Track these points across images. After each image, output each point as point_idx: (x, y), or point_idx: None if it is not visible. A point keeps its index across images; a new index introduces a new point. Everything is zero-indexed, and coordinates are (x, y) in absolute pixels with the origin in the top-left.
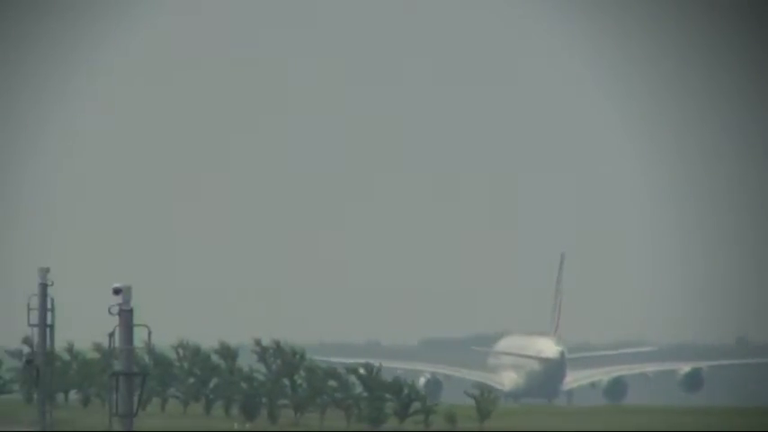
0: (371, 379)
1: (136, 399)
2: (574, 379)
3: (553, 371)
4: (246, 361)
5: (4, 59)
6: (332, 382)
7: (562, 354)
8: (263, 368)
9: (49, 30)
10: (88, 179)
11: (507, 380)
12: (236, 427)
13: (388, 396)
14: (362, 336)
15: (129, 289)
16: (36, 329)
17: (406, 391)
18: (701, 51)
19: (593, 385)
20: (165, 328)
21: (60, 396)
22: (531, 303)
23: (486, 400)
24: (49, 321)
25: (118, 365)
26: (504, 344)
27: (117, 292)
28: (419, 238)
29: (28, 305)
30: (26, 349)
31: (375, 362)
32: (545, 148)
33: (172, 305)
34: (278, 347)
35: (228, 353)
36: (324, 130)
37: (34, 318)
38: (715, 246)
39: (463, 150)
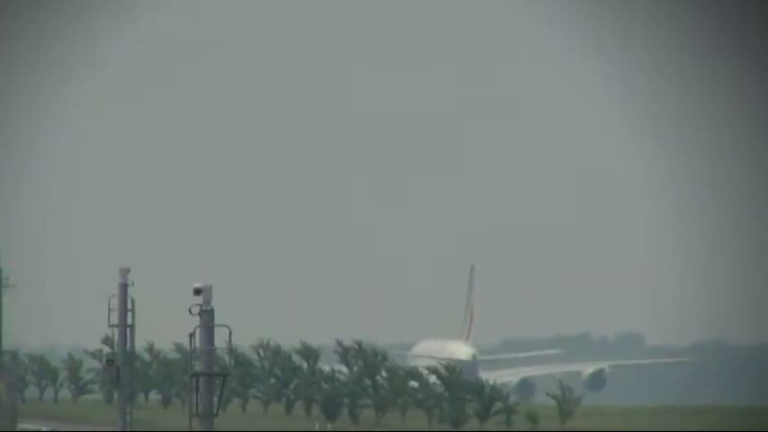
0: (453, 379)
1: (216, 399)
2: (485, 380)
3: (465, 372)
4: (328, 361)
5: (4, 57)
6: (413, 383)
7: (473, 356)
8: (344, 368)
9: (48, 27)
10: (168, 178)
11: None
12: (317, 427)
13: (469, 396)
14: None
15: (209, 289)
16: (116, 330)
17: (487, 391)
18: (702, 49)
19: (503, 386)
20: (246, 329)
21: (141, 396)
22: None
23: (567, 400)
24: (129, 322)
25: (198, 366)
26: (420, 347)
27: (198, 292)
28: (496, 239)
29: (108, 305)
30: (106, 350)
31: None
32: (544, 147)
33: (253, 305)
34: (359, 348)
35: (310, 353)
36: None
37: (114, 318)
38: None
39: (462, 149)
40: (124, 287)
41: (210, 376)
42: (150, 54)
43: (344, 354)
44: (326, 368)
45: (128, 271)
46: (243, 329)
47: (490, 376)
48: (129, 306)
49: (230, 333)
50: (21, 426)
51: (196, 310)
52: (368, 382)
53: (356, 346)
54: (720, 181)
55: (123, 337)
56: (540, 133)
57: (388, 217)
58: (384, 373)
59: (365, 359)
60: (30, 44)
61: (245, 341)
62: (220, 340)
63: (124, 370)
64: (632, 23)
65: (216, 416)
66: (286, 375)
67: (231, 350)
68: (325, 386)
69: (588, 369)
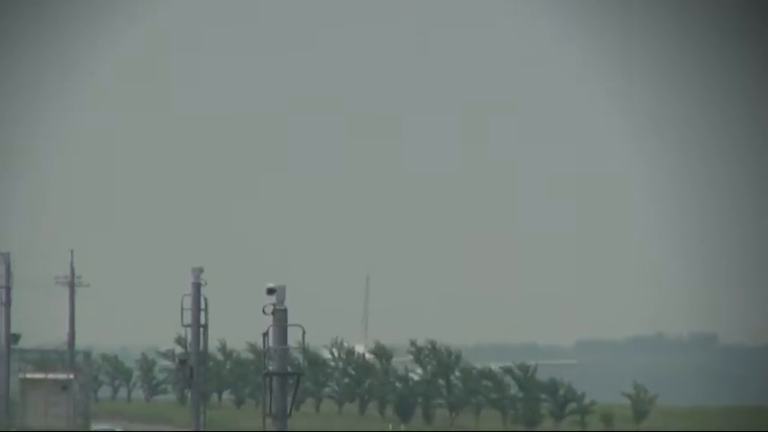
0: (527, 379)
1: (290, 399)
2: None
3: None
4: (402, 361)
5: (4, 57)
6: (487, 383)
7: None
8: (418, 369)
9: (48, 27)
10: (244, 182)
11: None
12: (390, 427)
13: (543, 396)
14: (518, 337)
15: (283, 288)
16: (189, 329)
17: (561, 391)
18: (702, 49)
19: None
20: (320, 328)
21: (214, 396)
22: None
23: (642, 400)
24: (202, 321)
25: (271, 365)
26: None
27: (271, 291)
28: (576, 243)
29: (181, 305)
30: (179, 349)
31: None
32: (546, 146)
33: (326, 305)
34: (433, 348)
35: (383, 353)
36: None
37: (188, 318)
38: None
39: (462, 149)
40: (197, 287)
41: (284, 376)
42: (150, 52)
43: (418, 354)
44: (400, 368)
45: (201, 270)
46: (316, 329)
47: None
48: (203, 305)
49: (303, 333)
50: (94, 425)
51: (270, 309)
52: (441, 381)
53: (430, 346)
54: (720, 178)
55: (196, 336)
56: (541, 132)
57: (466, 218)
58: (458, 373)
59: (439, 359)
60: (32, 43)
61: (319, 341)
62: (293, 340)
63: (197, 370)
64: (632, 23)
65: (289, 416)
66: (360, 375)
67: (304, 350)
68: (398, 386)
69: None
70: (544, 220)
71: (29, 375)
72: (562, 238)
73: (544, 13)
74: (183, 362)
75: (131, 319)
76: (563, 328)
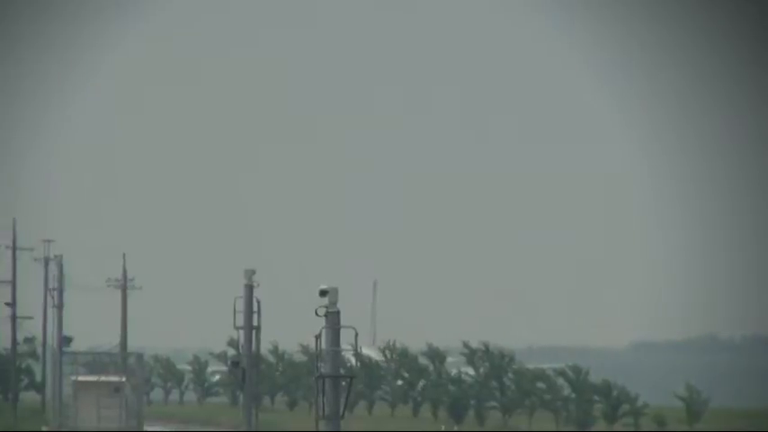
0: (580, 381)
1: (342, 401)
2: None
3: None
4: (455, 363)
5: (5, 58)
6: (540, 385)
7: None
8: (471, 370)
9: (48, 28)
10: (297, 185)
11: None
12: (443, 428)
13: (596, 398)
14: (570, 339)
15: (335, 291)
16: (242, 332)
17: (615, 393)
18: (701, 49)
19: None
20: (377, 331)
21: (266, 399)
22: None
23: (695, 401)
24: (254, 323)
25: (324, 368)
26: None
27: (324, 293)
28: (628, 245)
29: (234, 307)
30: (232, 352)
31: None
32: (548, 148)
33: (379, 307)
34: (486, 350)
35: (437, 355)
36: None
37: (240, 320)
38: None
39: (462, 151)
40: (250, 289)
41: (336, 378)
42: (151, 52)
43: (471, 355)
44: (453, 370)
45: (253, 272)
46: (369, 331)
47: None
48: (255, 308)
49: (356, 335)
50: (147, 427)
51: (322, 311)
52: (494, 383)
53: (483, 348)
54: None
55: (249, 338)
56: (543, 133)
57: (506, 219)
58: (511, 375)
59: (491, 361)
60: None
61: (375, 343)
62: (346, 342)
63: (250, 372)
64: (633, 23)
65: (342, 418)
66: (413, 377)
67: (357, 352)
68: (451, 388)
69: None
70: (563, 222)
71: (81, 378)
72: (603, 238)
73: (544, 13)
74: (235, 364)
75: (184, 322)
76: (616, 329)
